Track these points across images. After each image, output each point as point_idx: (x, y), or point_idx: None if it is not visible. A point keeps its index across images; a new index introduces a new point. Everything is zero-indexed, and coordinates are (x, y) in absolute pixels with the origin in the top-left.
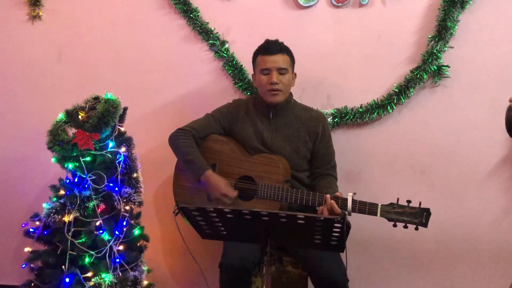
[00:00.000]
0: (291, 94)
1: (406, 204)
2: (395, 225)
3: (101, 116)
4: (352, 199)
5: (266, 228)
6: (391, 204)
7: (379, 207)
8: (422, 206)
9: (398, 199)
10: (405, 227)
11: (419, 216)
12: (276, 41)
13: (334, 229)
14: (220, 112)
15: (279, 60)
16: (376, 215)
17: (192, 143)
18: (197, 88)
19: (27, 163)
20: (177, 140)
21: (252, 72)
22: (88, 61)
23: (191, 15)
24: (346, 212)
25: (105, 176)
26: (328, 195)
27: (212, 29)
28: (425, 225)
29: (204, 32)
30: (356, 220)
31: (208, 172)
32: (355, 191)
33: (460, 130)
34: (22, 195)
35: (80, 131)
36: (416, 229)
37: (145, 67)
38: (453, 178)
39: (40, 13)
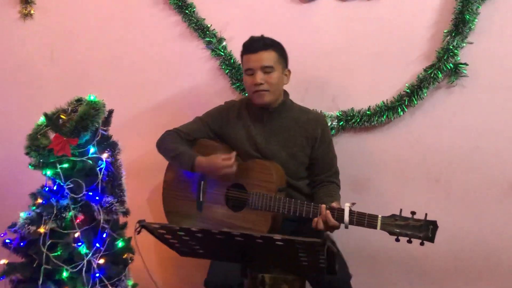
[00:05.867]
0: (287, 94)
1: (410, 215)
2: (397, 240)
3: (80, 120)
4: (350, 210)
5: (243, 250)
6: (393, 215)
7: (379, 219)
8: (429, 218)
9: (401, 210)
10: (409, 241)
11: (424, 230)
12: (260, 37)
13: (320, 253)
14: (210, 115)
15: (263, 58)
16: (375, 228)
17: (179, 140)
18: (192, 89)
19: (14, 168)
20: (163, 141)
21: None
22: (81, 60)
23: (187, 11)
24: (328, 234)
25: (83, 184)
26: (323, 205)
27: (209, 25)
28: (431, 239)
29: (200, 29)
30: (362, 232)
31: (198, 158)
32: (363, 201)
33: (479, 134)
34: (4, 202)
35: (57, 136)
36: (422, 244)
37: (139, 67)
38: (471, 188)
39: (32, 11)
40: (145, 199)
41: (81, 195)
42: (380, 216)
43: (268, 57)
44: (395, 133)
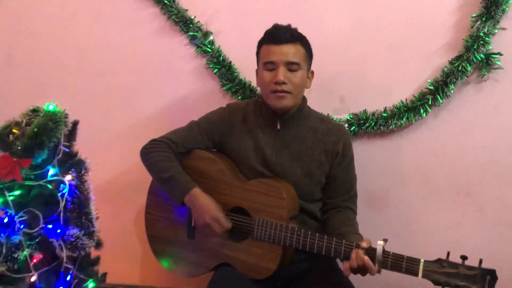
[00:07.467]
0: (305, 99)
1: (459, 261)
2: None
3: (33, 135)
4: (383, 251)
5: None
6: (439, 260)
7: (422, 264)
8: (484, 265)
9: (448, 253)
10: None
11: (480, 281)
12: (287, 27)
13: None
14: (209, 120)
15: (290, 51)
16: (416, 275)
17: (171, 156)
18: (175, 93)
19: None
20: (151, 153)
21: (256, 67)
22: (43, 63)
23: (166, 1)
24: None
25: (40, 215)
26: (360, 249)
27: (192, 17)
28: None
29: (182, 21)
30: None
31: (195, 190)
32: (381, 219)
33: None
34: None
35: (5, 156)
36: None
37: (111, 69)
38: (509, 201)
39: None
40: (121, 227)
41: (37, 228)
42: (422, 260)
43: (296, 51)
44: (417, 138)
